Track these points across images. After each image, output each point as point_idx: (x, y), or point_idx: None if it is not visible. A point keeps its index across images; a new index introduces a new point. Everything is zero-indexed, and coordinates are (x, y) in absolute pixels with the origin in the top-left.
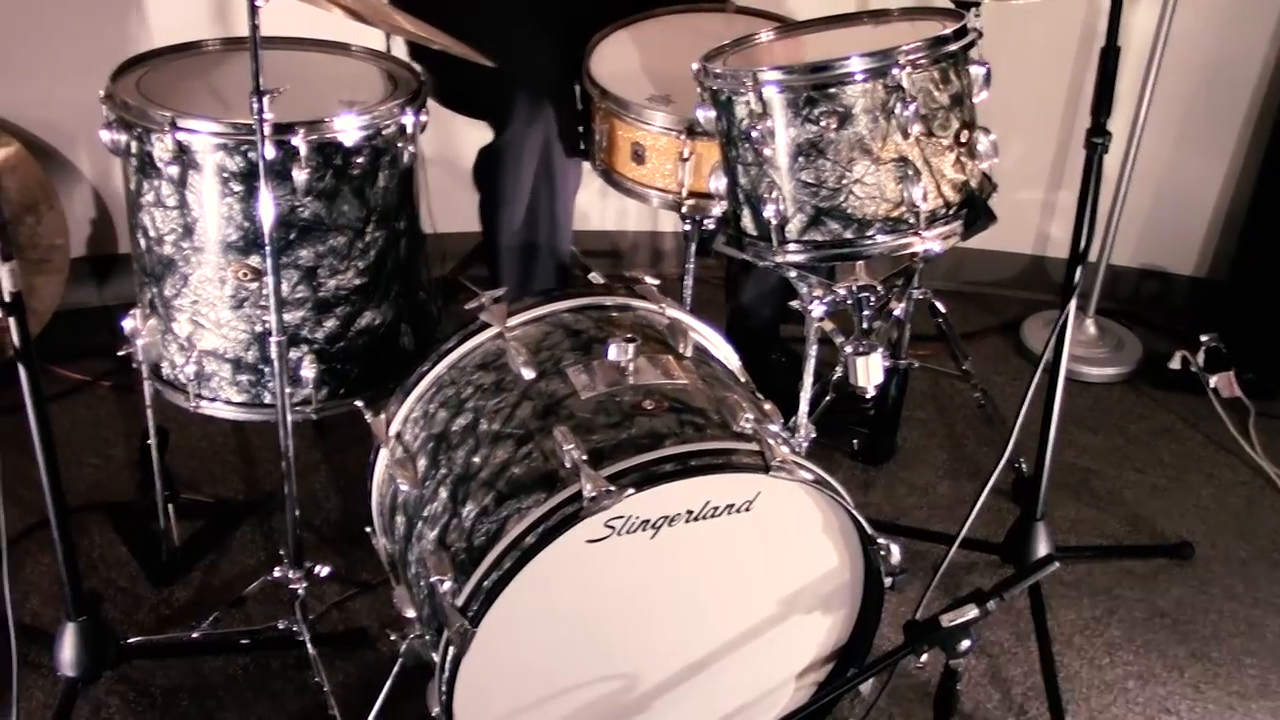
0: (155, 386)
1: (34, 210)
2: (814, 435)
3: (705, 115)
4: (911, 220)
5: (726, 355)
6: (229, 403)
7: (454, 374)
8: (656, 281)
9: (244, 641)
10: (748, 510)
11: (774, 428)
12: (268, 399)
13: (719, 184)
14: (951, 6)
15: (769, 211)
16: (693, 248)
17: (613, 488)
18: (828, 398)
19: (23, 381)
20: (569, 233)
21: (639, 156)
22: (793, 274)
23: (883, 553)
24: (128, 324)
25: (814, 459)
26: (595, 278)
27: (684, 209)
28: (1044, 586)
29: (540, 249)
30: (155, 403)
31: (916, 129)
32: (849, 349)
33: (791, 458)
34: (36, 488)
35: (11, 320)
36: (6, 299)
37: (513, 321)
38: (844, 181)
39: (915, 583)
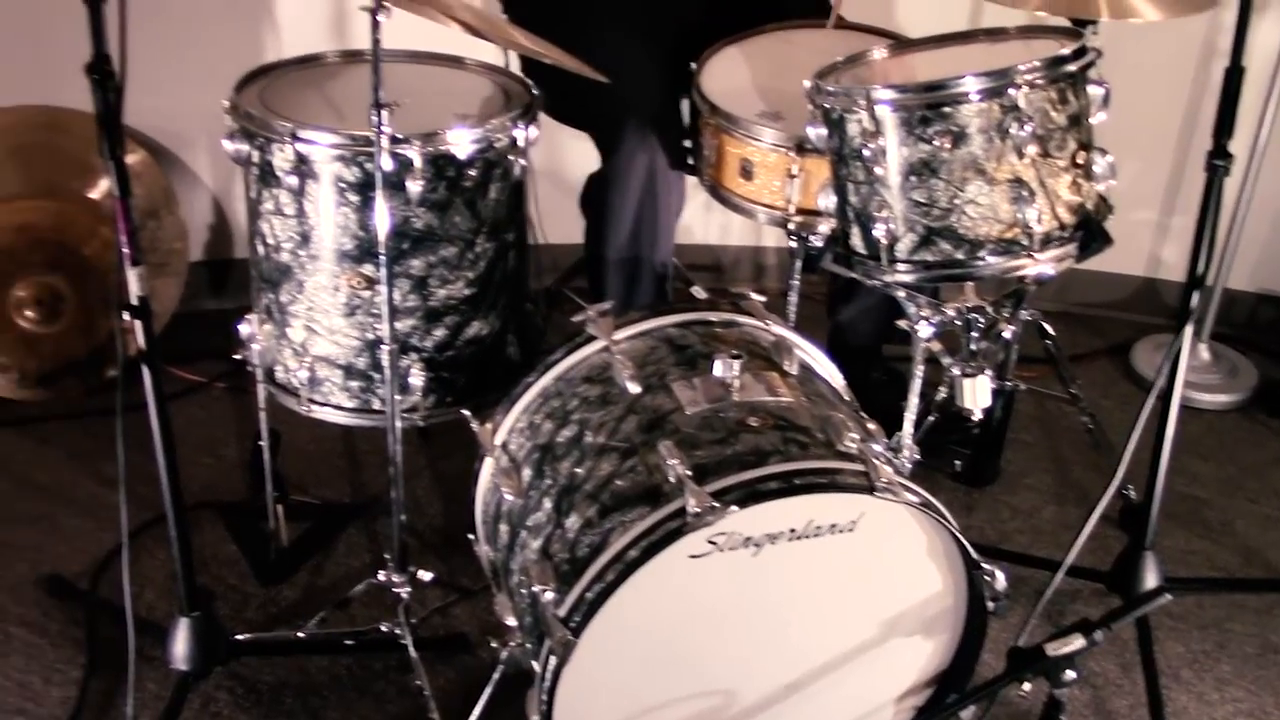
0: (269, 390)
1: (155, 215)
2: (917, 456)
3: (816, 133)
4: (1025, 242)
5: (831, 373)
6: (339, 408)
7: (560, 386)
8: (762, 298)
9: (348, 642)
10: (851, 531)
11: (878, 448)
12: (377, 405)
13: (828, 201)
14: (1068, 25)
15: (879, 230)
16: (798, 264)
17: (716, 504)
18: (930, 418)
19: (146, 383)
20: (671, 246)
21: (747, 172)
22: (901, 294)
23: (987, 578)
24: (244, 328)
25: (916, 480)
26: (698, 292)
27: (791, 225)
28: (1151, 618)
29: (643, 262)
30: (268, 405)
31: (1032, 150)
32: (956, 370)
33: (897, 479)
34: (153, 484)
35: (137, 323)
36: (134, 302)
37: (619, 335)
38: (956, 202)
39: (1018, 609)
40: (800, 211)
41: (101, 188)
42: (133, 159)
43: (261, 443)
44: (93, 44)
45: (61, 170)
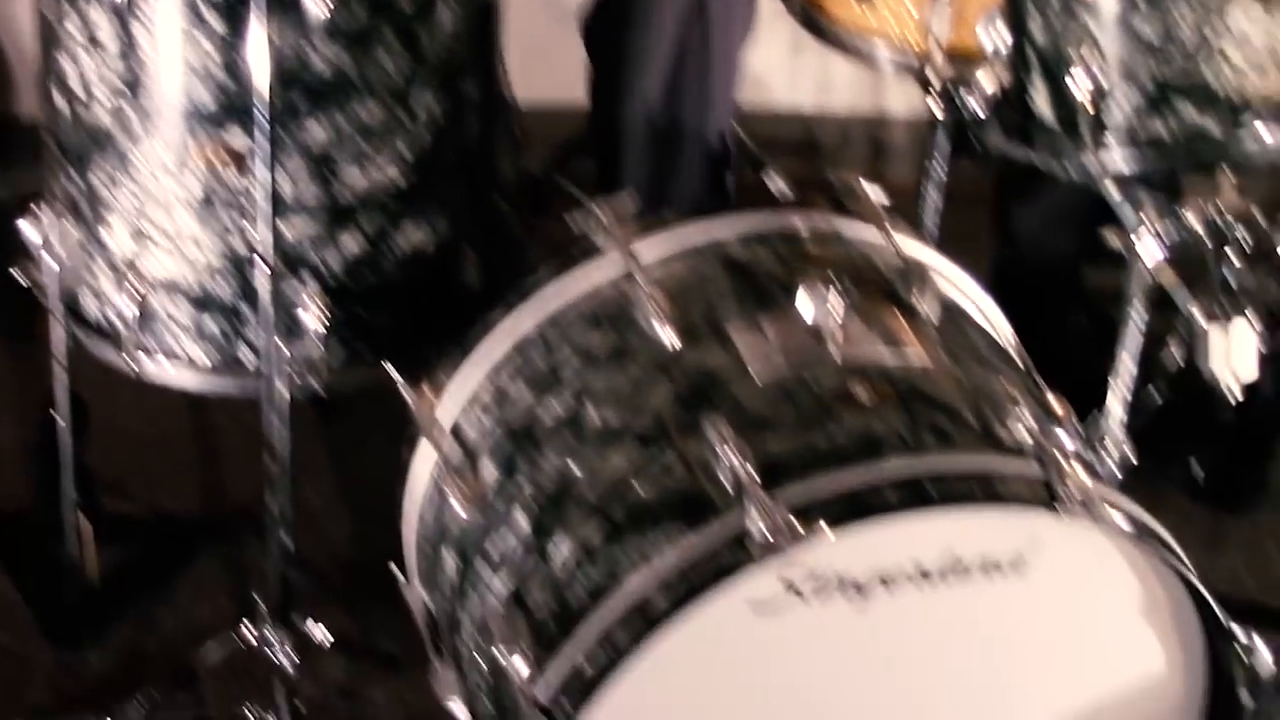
0: (72, 331)
1: None
2: (1132, 455)
3: None
4: None
5: (993, 318)
6: (187, 362)
7: (548, 331)
8: (884, 199)
9: None
10: (1017, 570)
11: (1066, 437)
12: (248, 358)
13: (995, 38)
14: None
15: (1080, 85)
16: (942, 140)
17: (797, 523)
18: (1155, 394)
19: None
20: (730, 104)
21: None
22: (1113, 190)
23: (1242, 652)
24: (29, 229)
25: (1129, 492)
26: (775, 182)
27: (932, 78)
28: None
29: (685, 130)
30: (70, 358)
31: None
32: (1200, 317)
33: (1095, 489)
34: None
35: None
36: None
37: (646, 250)
38: (1209, 36)
39: None
40: (949, 54)
41: None
42: None
43: (58, 419)
44: None
45: None
